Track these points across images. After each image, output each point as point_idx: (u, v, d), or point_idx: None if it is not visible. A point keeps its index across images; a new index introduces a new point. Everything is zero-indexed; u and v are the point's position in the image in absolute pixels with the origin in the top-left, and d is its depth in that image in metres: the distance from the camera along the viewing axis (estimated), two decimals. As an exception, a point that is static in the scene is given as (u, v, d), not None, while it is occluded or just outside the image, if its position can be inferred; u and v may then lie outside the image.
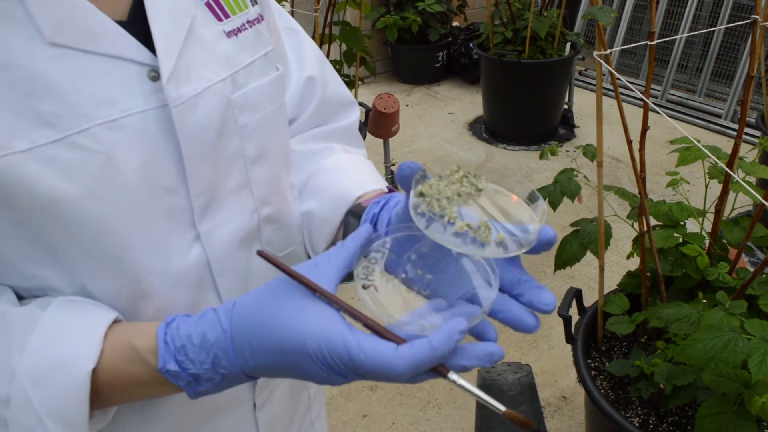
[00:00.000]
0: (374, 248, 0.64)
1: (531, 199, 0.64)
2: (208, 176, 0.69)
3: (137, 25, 0.62)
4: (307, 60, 0.92)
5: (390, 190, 0.80)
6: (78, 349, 0.58)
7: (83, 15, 0.58)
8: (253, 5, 0.75)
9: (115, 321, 0.63)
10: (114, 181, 0.60)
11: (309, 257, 0.90)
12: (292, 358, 0.55)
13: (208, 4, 0.69)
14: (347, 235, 0.75)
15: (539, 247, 0.59)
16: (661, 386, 1.45)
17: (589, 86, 4.79)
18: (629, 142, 1.37)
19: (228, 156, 0.71)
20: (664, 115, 1.33)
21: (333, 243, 0.83)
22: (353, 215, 0.78)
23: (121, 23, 0.61)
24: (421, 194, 0.60)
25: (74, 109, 0.57)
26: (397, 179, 0.65)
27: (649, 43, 1.27)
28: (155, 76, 0.62)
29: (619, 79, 1.29)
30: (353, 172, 0.86)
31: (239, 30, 0.72)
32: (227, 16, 0.71)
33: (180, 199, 0.67)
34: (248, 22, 0.74)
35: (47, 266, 0.62)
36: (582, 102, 4.44)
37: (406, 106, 4.71)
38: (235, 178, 0.73)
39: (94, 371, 0.58)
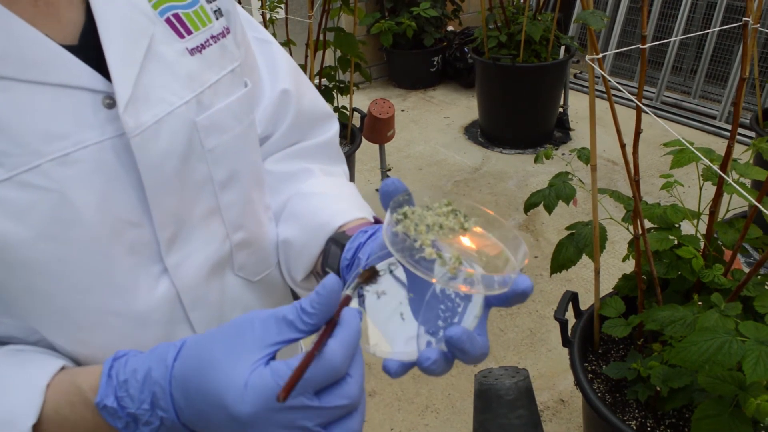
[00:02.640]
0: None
1: (516, 248, 0.61)
2: (174, 206, 0.64)
3: (89, 49, 0.58)
4: (280, 72, 0.87)
5: (377, 220, 0.77)
6: (19, 405, 0.54)
7: (26, 42, 0.53)
8: (217, 18, 0.70)
9: (63, 368, 0.59)
10: (69, 220, 0.56)
11: (284, 280, 0.88)
12: (215, 409, 0.49)
13: (168, 21, 0.64)
14: (327, 262, 0.73)
15: (512, 296, 0.56)
16: (658, 389, 1.45)
17: (584, 89, 4.80)
18: (623, 145, 1.37)
19: (195, 182, 0.67)
20: (654, 116, 1.33)
21: (312, 271, 0.79)
22: (335, 243, 0.73)
23: (70, 48, 0.56)
24: (404, 215, 0.59)
25: (22, 145, 0.53)
26: (380, 195, 0.63)
27: (642, 46, 1.27)
28: (110, 103, 0.58)
29: (611, 82, 1.29)
30: (334, 199, 0.81)
31: (203, 46, 0.67)
32: (189, 33, 0.66)
33: (144, 233, 0.63)
34: (212, 37, 0.68)
35: None
36: (577, 105, 4.46)
37: (402, 111, 4.71)
38: (204, 204, 0.69)
39: (38, 422, 0.54)
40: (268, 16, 2.89)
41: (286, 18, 2.95)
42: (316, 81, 2.88)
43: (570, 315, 1.67)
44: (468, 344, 0.53)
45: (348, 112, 3.08)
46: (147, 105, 0.60)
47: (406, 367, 0.55)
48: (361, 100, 4.61)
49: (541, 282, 2.79)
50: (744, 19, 1.27)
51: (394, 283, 0.62)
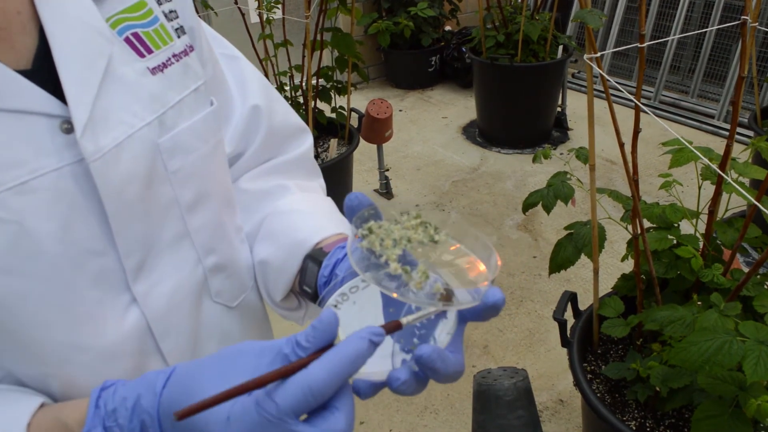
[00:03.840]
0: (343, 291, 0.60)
1: (488, 260, 0.59)
2: (139, 232, 0.62)
3: (44, 72, 0.55)
4: (250, 88, 0.85)
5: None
6: None
7: None
8: (179, 36, 0.68)
9: (43, 405, 0.57)
10: (28, 252, 0.54)
11: (261, 302, 0.86)
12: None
13: (127, 40, 0.62)
14: (305, 280, 0.72)
15: (483, 310, 0.54)
16: (657, 389, 1.44)
17: (582, 89, 4.80)
18: (621, 145, 1.36)
19: (160, 206, 0.64)
20: (653, 116, 1.32)
21: (291, 289, 0.78)
22: (312, 260, 0.72)
23: (24, 73, 0.54)
24: (369, 231, 0.57)
25: None
26: (344, 210, 0.62)
27: (640, 45, 1.27)
28: (68, 128, 0.55)
29: (610, 81, 1.29)
30: (311, 215, 0.80)
31: (165, 65, 0.65)
32: (150, 51, 0.63)
33: (108, 261, 0.60)
34: (174, 55, 0.66)
35: None
36: (575, 104, 4.45)
37: (400, 111, 4.71)
38: (171, 229, 0.67)
39: None
40: (265, 16, 2.88)
41: (283, 18, 2.94)
42: (314, 81, 2.87)
43: (569, 315, 1.67)
44: (439, 363, 0.51)
45: (346, 113, 3.08)
46: (106, 128, 0.58)
47: (376, 388, 0.53)
48: (359, 101, 4.61)
49: (540, 282, 2.78)
50: (743, 17, 1.26)
51: (370, 299, 0.60)
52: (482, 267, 0.59)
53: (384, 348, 0.57)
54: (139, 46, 0.63)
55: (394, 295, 0.53)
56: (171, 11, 0.68)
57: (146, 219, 0.63)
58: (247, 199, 0.84)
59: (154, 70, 0.63)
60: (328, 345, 0.49)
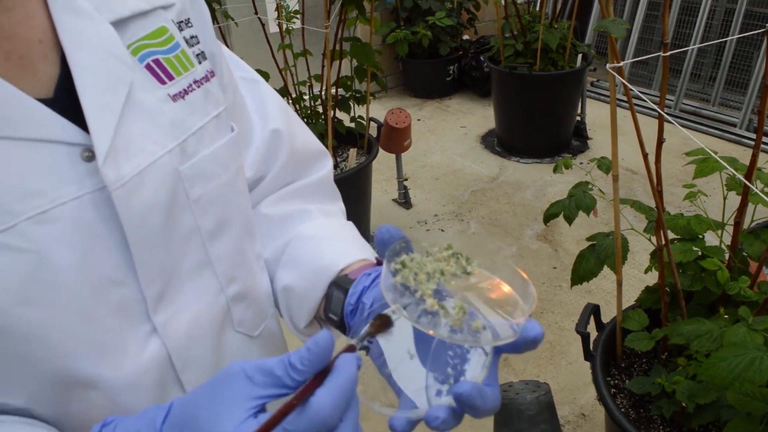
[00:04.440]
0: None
1: (524, 293, 0.58)
2: (160, 261, 0.61)
3: (65, 100, 0.55)
4: (270, 112, 0.84)
5: (379, 261, 0.74)
6: None
7: None
8: (200, 62, 0.67)
9: None
10: (48, 282, 0.53)
11: (281, 330, 0.86)
12: None
13: (148, 67, 0.61)
14: (330, 307, 0.70)
15: (522, 344, 0.53)
16: (684, 404, 1.41)
17: (602, 97, 4.76)
18: (645, 155, 1.34)
19: (181, 235, 0.64)
20: (678, 125, 1.30)
21: (315, 316, 0.76)
22: (338, 287, 0.71)
23: (46, 101, 0.53)
24: (402, 264, 0.56)
25: None
26: (375, 244, 0.61)
27: (663, 54, 1.25)
28: (89, 156, 0.55)
29: (633, 91, 1.27)
30: (334, 241, 0.79)
31: (186, 92, 0.64)
32: (171, 78, 0.63)
33: (129, 291, 0.59)
34: (195, 81, 0.66)
35: None
36: (595, 113, 4.42)
37: (418, 120, 4.70)
38: (192, 257, 0.66)
39: None
40: (284, 26, 2.89)
41: (303, 28, 2.95)
42: (333, 91, 2.87)
43: (591, 328, 1.64)
44: (478, 400, 0.50)
45: (365, 122, 3.08)
46: (128, 156, 0.57)
47: (413, 424, 0.53)
48: (378, 110, 4.60)
49: (561, 294, 2.75)
50: (767, 25, 1.24)
51: (401, 330, 0.59)
52: (518, 298, 0.57)
53: (417, 380, 0.56)
54: (160, 72, 0.62)
55: (431, 332, 0.52)
56: (192, 37, 0.67)
57: (167, 247, 0.62)
58: (268, 224, 0.83)
59: (175, 97, 0.63)
60: (325, 368, 0.48)
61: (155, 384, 0.63)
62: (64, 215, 0.53)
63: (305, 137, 0.89)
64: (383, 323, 0.55)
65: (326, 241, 0.78)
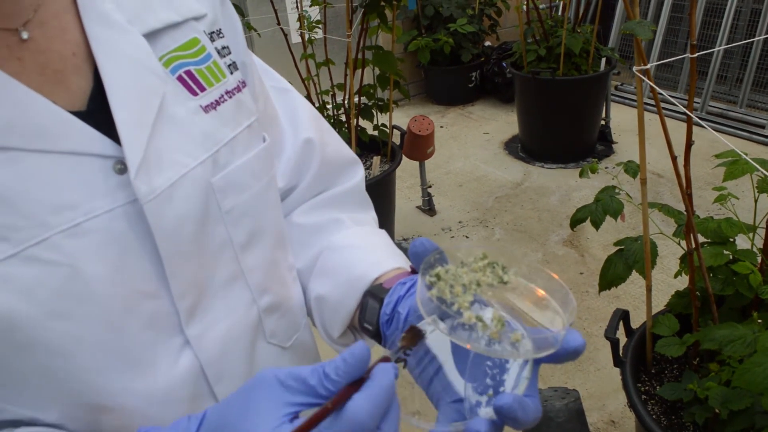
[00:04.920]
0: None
1: (563, 301, 0.56)
2: (193, 273, 0.61)
3: (98, 113, 0.55)
4: (302, 121, 0.84)
5: (414, 270, 0.73)
6: None
7: (33, 110, 0.51)
8: (231, 73, 0.67)
9: None
10: (80, 295, 0.53)
11: (313, 341, 0.85)
12: None
13: (180, 79, 0.61)
14: (365, 317, 0.70)
15: (563, 355, 0.52)
16: (717, 411, 1.38)
17: (626, 101, 4.72)
18: (674, 158, 1.32)
19: (214, 247, 0.64)
20: (709, 128, 1.28)
21: (349, 326, 0.76)
22: (373, 297, 0.70)
23: (79, 114, 0.54)
24: (437, 277, 0.55)
25: (29, 217, 0.50)
26: (409, 257, 0.60)
27: (690, 56, 1.23)
28: (122, 168, 0.55)
29: (661, 94, 1.25)
30: (367, 250, 0.78)
31: (218, 102, 0.64)
32: (203, 89, 0.63)
33: (162, 304, 0.59)
34: (227, 92, 0.66)
35: (3, 399, 0.54)
36: (619, 117, 4.38)
37: (441, 127, 4.69)
38: (225, 269, 0.66)
39: None
40: (306, 36, 2.90)
41: (325, 38, 2.96)
42: (356, 99, 2.88)
43: (620, 333, 1.62)
44: (520, 412, 0.49)
45: (388, 130, 3.08)
46: (160, 168, 0.57)
47: None
48: (401, 118, 4.61)
49: (588, 299, 2.72)
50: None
51: (437, 340, 0.58)
52: (557, 306, 0.56)
53: (456, 389, 0.56)
54: (192, 84, 0.62)
55: (468, 346, 0.51)
56: (224, 47, 0.67)
57: (200, 260, 0.62)
58: (300, 233, 0.83)
59: (207, 108, 0.63)
60: (359, 379, 0.48)
61: (188, 397, 0.63)
62: (97, 228, 0.53)
63: (337, 145, 0.89)
64: (414, 335, 0.55)
65: (359, 251, 0.78)
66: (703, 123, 1.30)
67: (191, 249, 0.60)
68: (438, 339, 0.58)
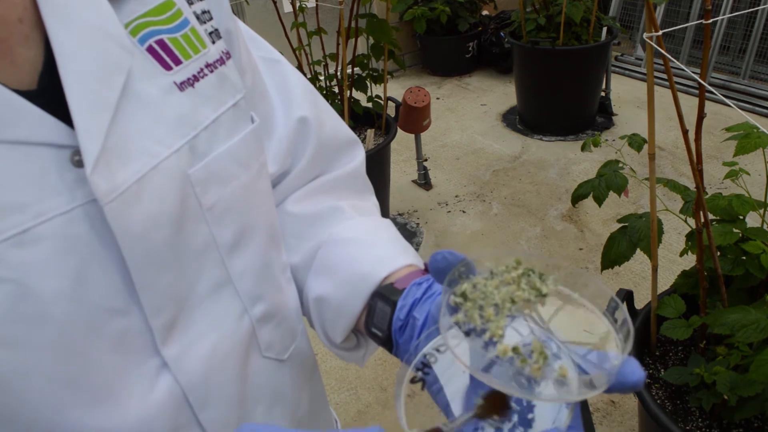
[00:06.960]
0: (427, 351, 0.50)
1: (613, 314, 0.46)
2: (169, 284, 0.52)
3: (51, 92, 0.45)
4: (295, 97, 0.73)
5: (426, 269, 0.64)
6: None
7: None
8: (213, 42, 0.56)
9: None
10: (30, 318, 0.43)
11: (311, 349, 0.76)
12: None
13: (150, 49, 0.51)
14: (373, 321, 0.61)
15: (616, 389, 0.43)
16: (725, 397, 1.33)
17: (627, 72, 4.62)
18: (685, 132, 1.25)
19: (194, 251, 0.54)
20: (725, 99, 1.20)
21: (354, 331, 0.67)
22: (383, 299, 0.61)
23: (27, 94, 0.43)
24: (464, 297, 0.46)
25: None
26: (430, 271, 0.51)
27: (705, 22, 1.15)
28: (81, 160, 0.44)
29: (673, 62, 1.17)
30: (374, 244, 0.68)
31: (196, 78, 0.53)
32: (178, 62, 0.52)
33: (131, 321, 0.50)
34: (208, 65, 0.55)
35: None
36: (620, 89, 4.28)
37: (437, 99, 4.60)
38: (209, 277, 0.56)
39: None
40: (297, 4, 2.80)
41: (317, 5, 2.86)
42: (349, 70, 2.79)
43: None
44: None
45: (382, 102, 2.99)
46: (124, 160, 0.47)
47: None
48: (396, 89, 4.51)
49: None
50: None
51: (445, 365, 0.49)
52: (608, 324, 0.46)
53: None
54: (165, 56, 0.52)
55: (516, 394, 0.42)
56: (204, 12, 0.57)
57: (178, 267, 0.52)
58: (295, 224, 0.73)
59: (182, 85, 0.52)
60: None
61: (169, 429, 0.54)
62: (51, 234, 0.43)
63: (334, 124, 0.78)
64: (496, 405, 0.45)
65: (365, 245, 0.68)
66: (715, 92, 1.22)
67: (166, 255, 0.51)
68: (447, 364, 0.49)
